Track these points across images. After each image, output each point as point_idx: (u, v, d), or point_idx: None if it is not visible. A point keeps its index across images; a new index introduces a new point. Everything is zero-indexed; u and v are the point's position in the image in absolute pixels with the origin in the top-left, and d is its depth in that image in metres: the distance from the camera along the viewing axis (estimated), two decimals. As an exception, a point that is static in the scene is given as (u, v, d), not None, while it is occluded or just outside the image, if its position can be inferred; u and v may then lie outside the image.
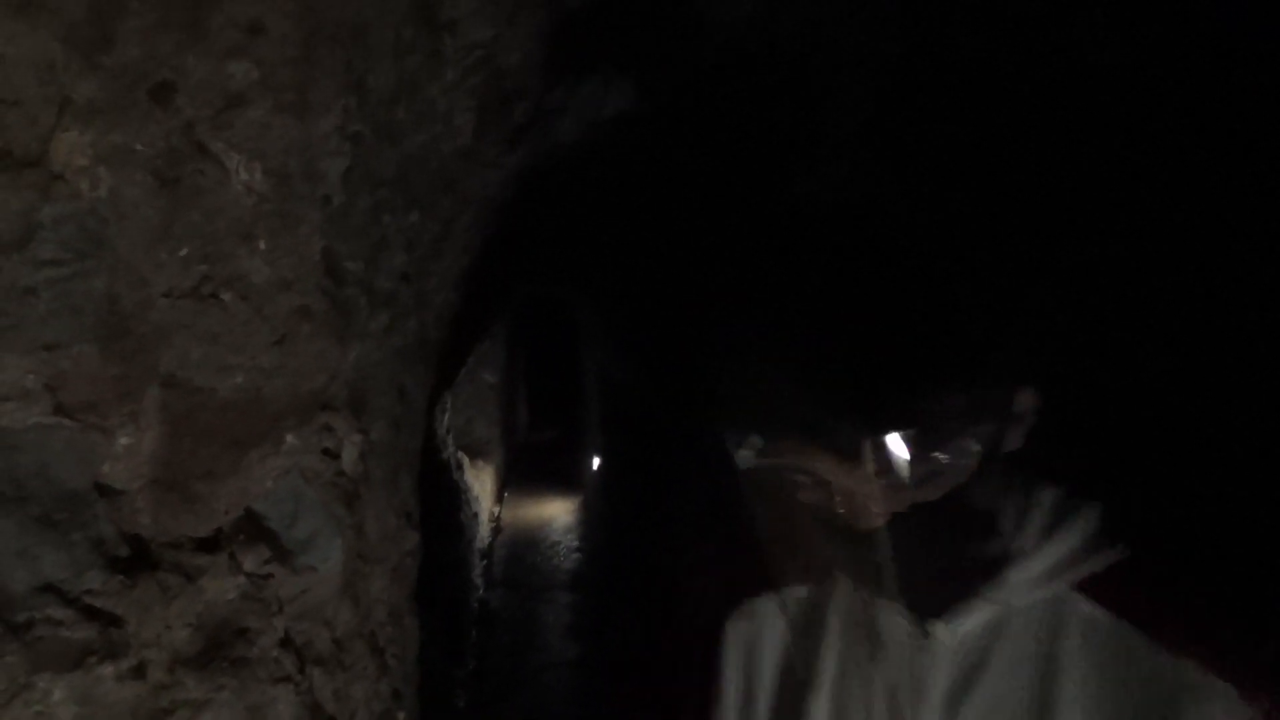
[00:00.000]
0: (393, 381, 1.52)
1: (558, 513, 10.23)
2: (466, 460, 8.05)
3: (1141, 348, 0.92)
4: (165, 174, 0.93)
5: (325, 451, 1.28)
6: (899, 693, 0.79)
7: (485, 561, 7.59)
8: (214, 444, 1.12)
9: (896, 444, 0.68)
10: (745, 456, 0.76)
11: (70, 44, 0.83)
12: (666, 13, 1.87)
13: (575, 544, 8.93)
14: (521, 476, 11.59)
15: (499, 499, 10.07)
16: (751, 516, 0.85)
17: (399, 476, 1.79)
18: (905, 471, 0.69)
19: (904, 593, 0.79)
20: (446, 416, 6.99)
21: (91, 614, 0.98)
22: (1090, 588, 0.71)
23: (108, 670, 0.97)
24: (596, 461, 9.05)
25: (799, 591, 0.93)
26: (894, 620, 0.81)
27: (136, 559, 1.03)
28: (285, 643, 1.22)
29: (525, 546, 8.93)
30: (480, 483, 8.57)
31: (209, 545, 1.12)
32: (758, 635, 0.96)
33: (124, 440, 1.00)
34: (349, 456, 1.33)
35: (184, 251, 0.97)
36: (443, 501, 5.10)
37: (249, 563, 1.17)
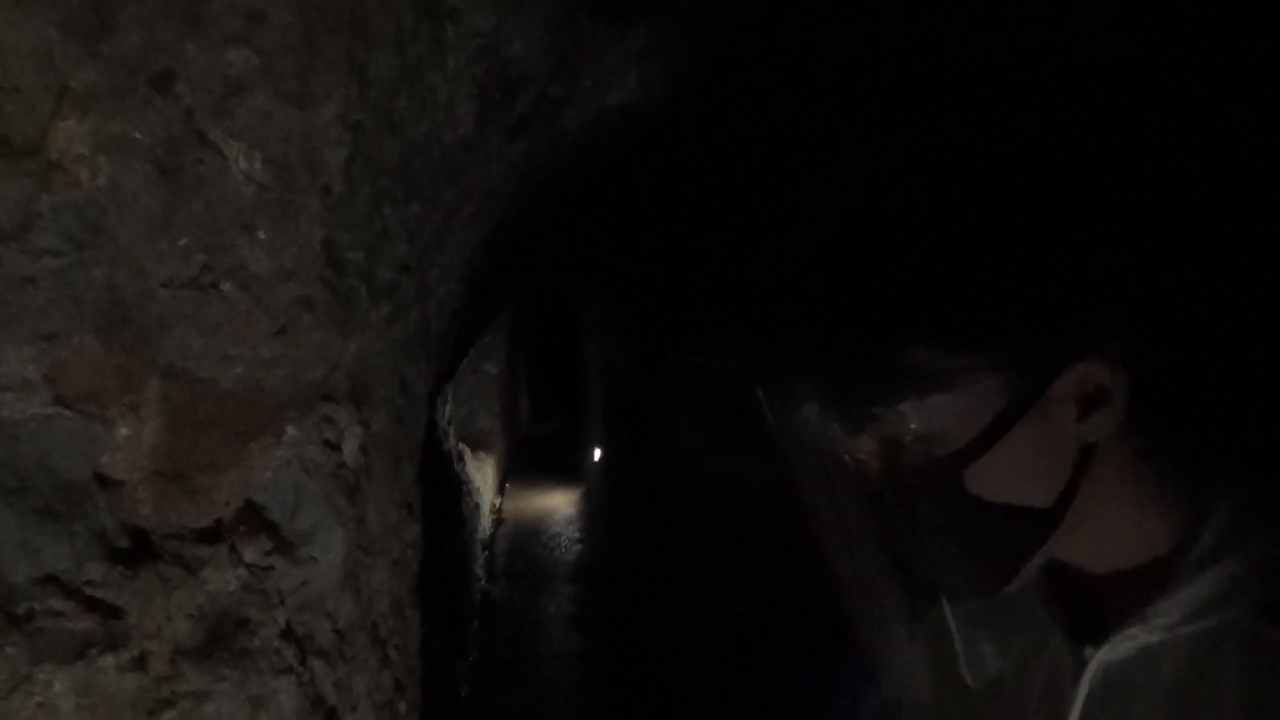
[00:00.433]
0: (394, 373, 1.52)
1: (559, 504, 10.25)
2: (468, 452, 8.06)
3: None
4: (165, 163, 0.93)
5: (326, 443, 1.28)
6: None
7: (487, 553, 7.60)
8: (215, 435, 1.11)
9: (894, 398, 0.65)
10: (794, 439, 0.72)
11: (69, 31, 0.83)
12: (671, 4, 1.86)
13: (576, 536, 8.94)
14: (523, 468, 11.61)
15: (501, 491, 10.08)
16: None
17: (400, 468, 1.79)
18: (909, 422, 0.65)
19: (1056, 614, 0.73)
20: (448, 408, 6.99)
21: (92, 605, 0.98)
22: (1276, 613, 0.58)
23: (109, 661, 0.97)
24: (598, 454, 9.06)
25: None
26: (1038, 640, 0.75)
27: (137, 550, 1.03)
28: (287, 634, 1.22)
29: (527, 538, 8.95)
30: (482, 474, 8.58)
31: (210, 536, 1.12)
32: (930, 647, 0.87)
33: (124, 431, 1.00)
34: (350, 448, 1.32)
35: (184, 241, 0.97)
36: (444, 493, 5.10)
37: (250, 554, 1.17)
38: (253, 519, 1.19)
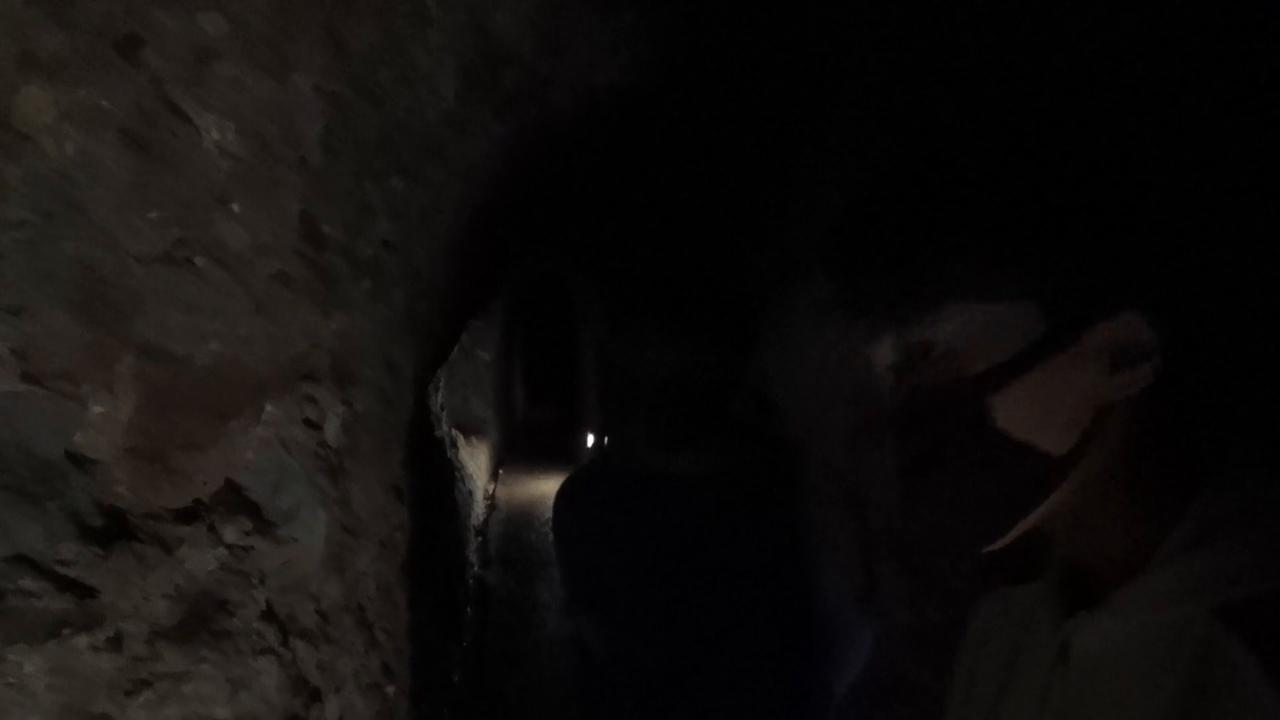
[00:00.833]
0: (379, 353, 1.50)
1: (554, 490, 10.24)
2: (462, 438, 8.04)
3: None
4: (135, 133, 0.90)
5: (308, 422, 1.26)
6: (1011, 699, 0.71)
7: (481, 539, 7.60)
8: (192, 413, 1.10)
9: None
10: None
11: (32, -6, 0.80)
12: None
13: (571, 522, 8.93)
14: (518, 454, 11.60)
15: (495, 477, 10.07)
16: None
17: (387, 450, 1.77)
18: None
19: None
20: (441, 394, 6.97)
21: (66, 585, 0.96)
22: (1239, 617, 0.55)
23: (83, 642, 0.95)
24: (591, 440, 9.05)
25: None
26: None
27: (112, 530, 1.01)
28: (268, 615, 1.21)
29: (521, 524, 8.94)
30: (476, 461, 8.56)
31: (188, 516, 1.10)
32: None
33: (98, 409, 0.98)
34: (332, 428, 1.31)
35: (157, 215, 0.95)
36: (437, 479, 5.09)
37: (229, 534, 1.15)
38: (232, 499, 1.17)
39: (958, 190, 0.64)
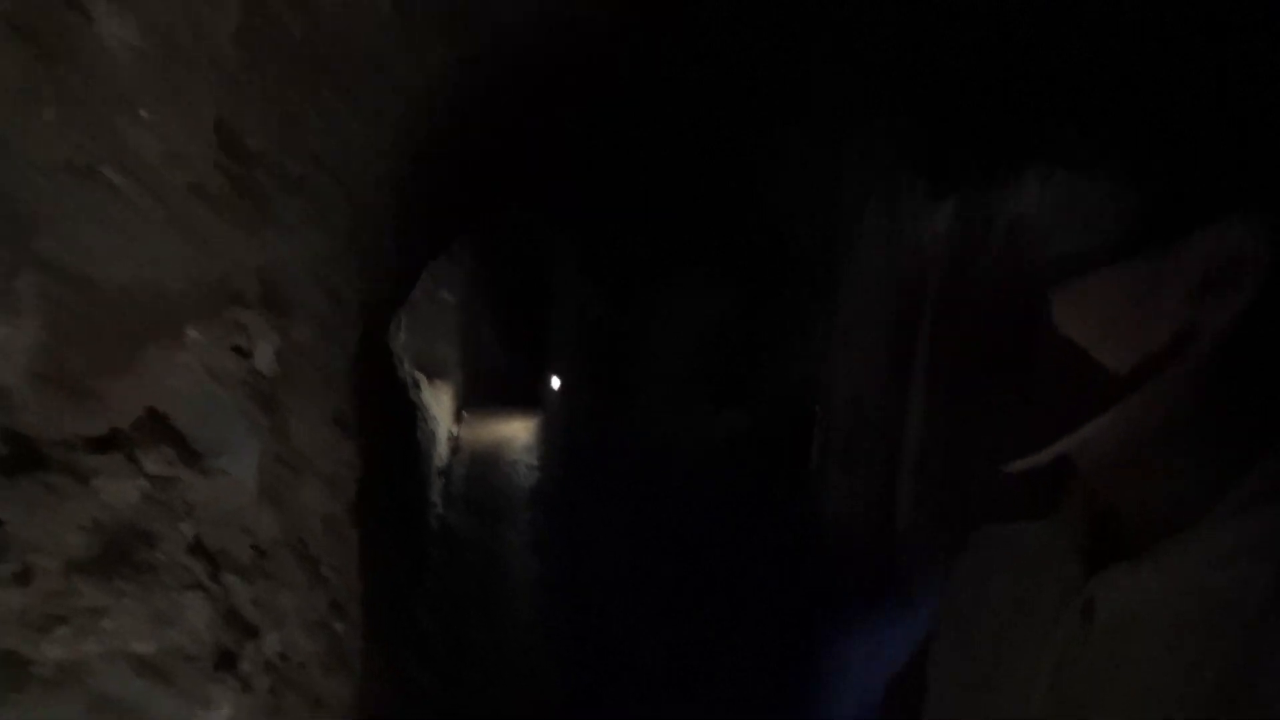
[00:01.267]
0: (317, 280, 1.43)
1: (518, 433, 10.23)
2: (425, 380, 7.97)
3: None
4: (24, 24, 0.82)
5: (237, 350, 1.20)
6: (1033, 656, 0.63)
7: (444, 481, 7.58)
8: (106, 337, 1.03)
9: None
10: None
11: None
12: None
13: (535, 464, 8.95)
14: (482, 397, 11.55)
15: (458, 419, 10.03)
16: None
17: (331, 384, 1.72)
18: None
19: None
20: (403, 334, 6.88)
21: (-33, 515, 0.90)
22: None
23: (-14, 575, 0.90)
24: (557, 383, 9.02)
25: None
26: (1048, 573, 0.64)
27: (19, 458, 0.95)
28: (196, 549, 1.16)
29: (485, 466, 8.94)
30: (439, 403, 8.51)
31: (104, 445, 1.04)
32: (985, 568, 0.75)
33: (-2, 330, 0.91)
34: (264, 356, 1.24)
35: (53, 115, 0.87)
36: (399, 421, 5.03)
37: (151, 465, 1.09)
38: (155, 428, 1.12)
39: (1058, 38, 0.53)
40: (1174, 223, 0.51)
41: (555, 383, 9.14)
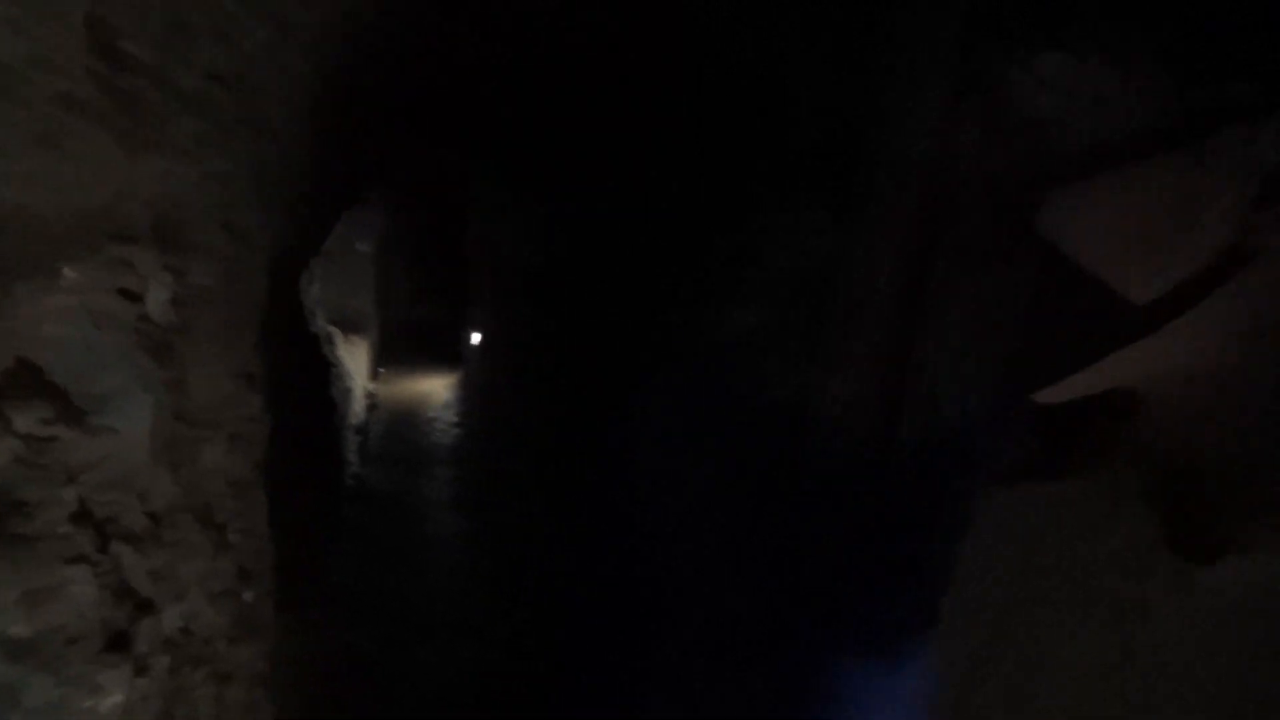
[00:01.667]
0: (218, 216, 1.28)
1: (437, 388, 10.01)
2: (339, 334, 7.68)
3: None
4: None
5: (124, 292, 1.05)
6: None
7: (360, 437, 7.35)
8: (-38, 273, 0.88)
9: None
10: None
11: None
12: None
13: (454, 420, 8.77)
14: (399, 351, 11.24)
15: (374, 374, 9.73)
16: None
17: (237, 333, 1.56)
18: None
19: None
20: (316, 287, 6.58)
21: None
22: None
23: None
24: (477, 337, 8.82)
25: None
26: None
27: None
28: (80, 516, 1.02)
29: (402, 422, 8.71)
30: (354, 357, 8.22)
31: (-38, 400, 0.90)
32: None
33: None
34: (157, 300, 1.10)
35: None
36: (312, 376, 4.81)
37: (23, 423, 0.95)
38: (26, 381, 0.97)
39: None
40: (1221, 120, 0.43)
41: (476, 338, 8.94)
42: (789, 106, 2.16)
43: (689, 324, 3.47)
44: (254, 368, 1.66)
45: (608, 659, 4.09)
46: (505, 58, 3.07)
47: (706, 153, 2.97)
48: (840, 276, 2.12)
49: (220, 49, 1.07)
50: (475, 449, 7.61)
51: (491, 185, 6.88)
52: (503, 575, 5.49)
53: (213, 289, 1.32)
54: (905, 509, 1.90)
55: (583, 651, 4.31)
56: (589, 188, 4.07)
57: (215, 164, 1.18)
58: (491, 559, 5.78)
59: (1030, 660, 0.56)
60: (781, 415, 2.72)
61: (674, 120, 3.07)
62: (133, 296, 1.05)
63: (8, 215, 0.88)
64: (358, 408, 7.59)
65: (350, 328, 8.67)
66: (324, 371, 5.55)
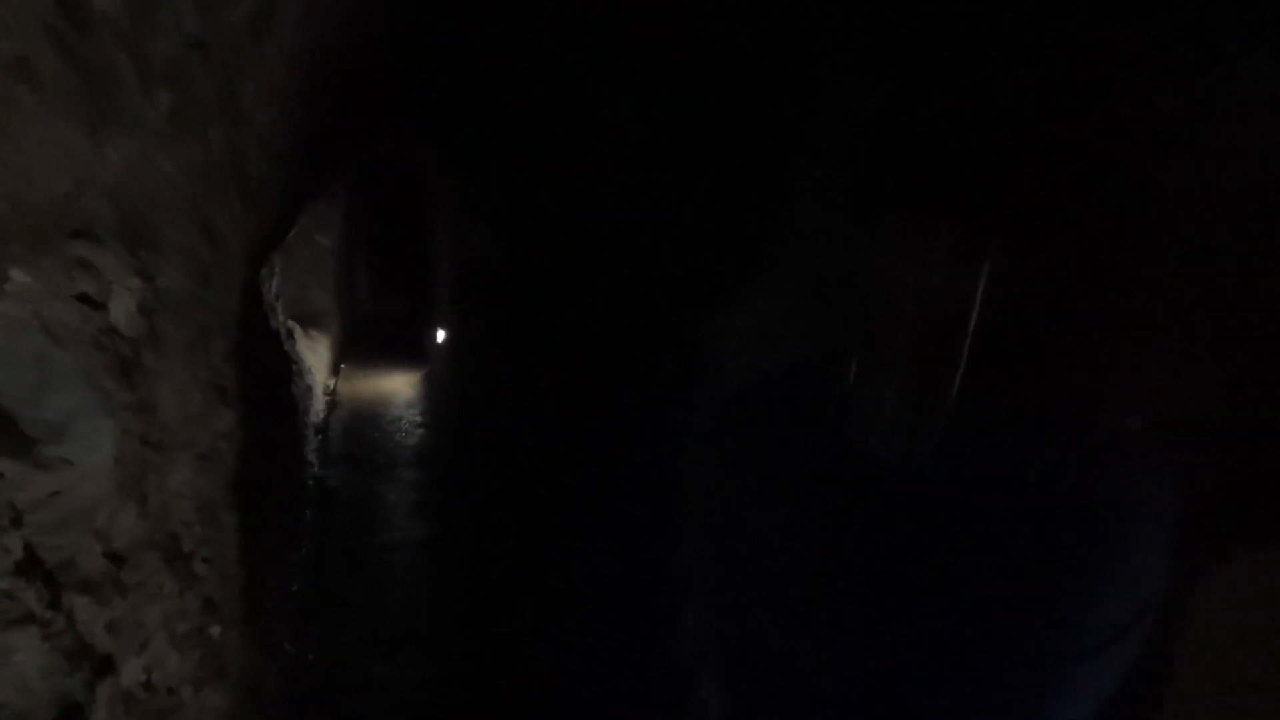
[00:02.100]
0: (193, 211, 1.12)
1: (400, 387, 9.76)
2: (299, 330, 7.42)
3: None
4: None
5: (84, 299, 0.89)
6: None
7: (321, 438, 7.10)
8: (-118, 277, 0.72)
9: None
10: None
11: None
12: None
13: (419, 420, 8.54)
14: (361, 349, 10.96)
15: (336, 372, 9.46)
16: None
17: (208, 342, 1.40)
18: None
19: None
20: (276, 280, 6.33)
21: None
22: None
23: None
24: (442, 335, 8.60)
25: None
26: None
27: None
28: (27, 566, 0.86)
29: (365, 423, 8.46)
30: (315, 355, 7.96)
31: (-118, 432, 0.73)
32: None
33: None
34: (123, 308, 0.94)
35: None
36: (271, 375, 4.60)
37: (-42, 457, 0.79)
38: (-36, 406, 0.81)
39: None
40: None
41: (440, 335, 8.72)
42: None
43: (662, 322, 3.36)
44: (226, 380, 1.49)
45: (580, 669, 3.96)
46: (481, 47, 2.92)
47: (671, 151, 2.86)
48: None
49: (198, 13, 0.91)
50: (441, 451, 7.41)
51: (458, 177, 6.69)
52: (469, 583, 5.32)
53: (183, 292, 1.16)
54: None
55: (554, 660, 4.17)
56: (557, 182, 3.93)
57: (189, 149, 1.02)
58: (457, 565, 5.61)
59: None
60: (781, 416, 2.63)
61: (641, 117, 2.95)
62: (94, 304, 0.89)
63: (-59, 207, 0.72)
64: (318, 406, 7.36)
65: (310, 322, 8.42)
66: (285, 369, 5.34)
